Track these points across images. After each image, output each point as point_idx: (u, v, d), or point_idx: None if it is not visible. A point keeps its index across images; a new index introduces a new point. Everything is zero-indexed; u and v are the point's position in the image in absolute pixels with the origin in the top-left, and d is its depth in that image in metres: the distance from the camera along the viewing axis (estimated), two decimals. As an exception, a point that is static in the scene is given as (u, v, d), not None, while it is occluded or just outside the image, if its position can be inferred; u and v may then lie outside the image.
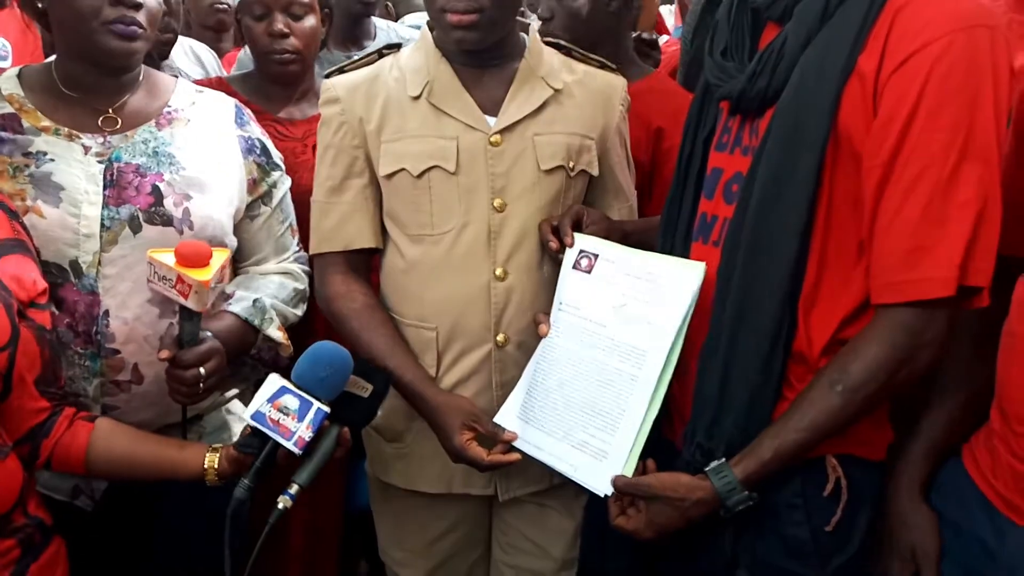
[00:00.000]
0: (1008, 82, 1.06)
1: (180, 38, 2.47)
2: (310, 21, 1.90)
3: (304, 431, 1.14)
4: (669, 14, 3.14)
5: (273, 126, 1.89)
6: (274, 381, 1.17)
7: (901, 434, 1.27)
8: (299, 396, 1.15)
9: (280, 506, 1.13)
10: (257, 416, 1.15)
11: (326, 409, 1.16)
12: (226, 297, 1.48)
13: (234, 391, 1.58)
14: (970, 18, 1.05)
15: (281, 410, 1.14)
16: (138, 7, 1.34)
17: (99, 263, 1.34)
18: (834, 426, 1.15)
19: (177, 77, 1.61)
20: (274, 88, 1.94)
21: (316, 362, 1.18)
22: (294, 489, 1.15)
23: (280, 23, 1.85)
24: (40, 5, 1.36)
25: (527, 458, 1.36)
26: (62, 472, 1.31)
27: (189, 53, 2.39)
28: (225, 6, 2.68)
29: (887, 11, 1.09)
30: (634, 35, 2.02)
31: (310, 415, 1.15)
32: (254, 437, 1.17)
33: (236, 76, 2.06)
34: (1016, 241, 1.15)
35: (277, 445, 1.15)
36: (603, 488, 1.26)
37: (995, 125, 1.06)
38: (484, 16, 1.34)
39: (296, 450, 1.14)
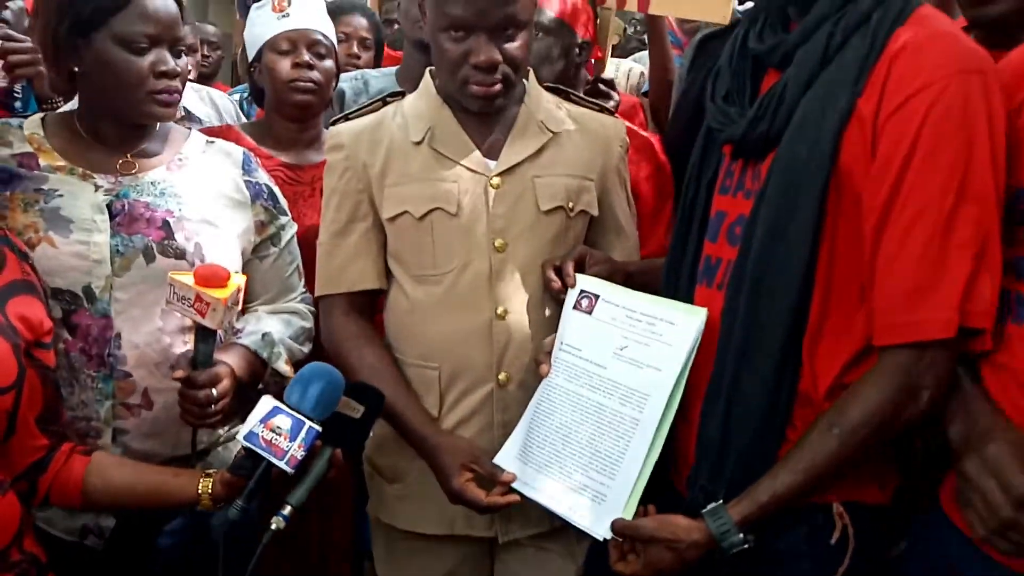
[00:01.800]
0: (1002, 125, 1.08)
1: (198, 85, 2.55)
2: (329, 63, 2.00)
3: (296, 450, 1.15)
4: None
5: (282, 171, 1.95)
6: (267, 402, 1.18)
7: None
8: (291, 416, 1.17)
9: (273, 527, 1.14)
10: (250, 436, 1.16)
11: (318, 428, 1.17)
12: (236, 332, 1.52)
13: (240, 427, 1.60)
14: (964, 63, 1.08)
15: (273, 430, 1.16)
16: (177, 76, 1.42)
17: (111, 287, 1.39)
18: (831, 469, 1.13)
19: (191, 128, 1.67)
20: (284, 133, 2.01)
21: (308, 382, 1.20)
22: (287, 510, 1.15)
23: (306, 56, 1.95)
24: (76, 69, 1.42)
25: (526, 500, 1.34)
26: (62, 506, 1.32)
27: (206, 99, 2.45)
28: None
29: (885, 56, 1.12)
30: (591, 78, 2.07)
31: (302, 434, 1.16)
32: (247, 459, 1.18)
33: (247, 124, 2.15)
34: None
35: (270, 465, 1.16)
36: (602, 532, 1.25)
37: (991, 166, 1.07)
38: (506, 84, 1.41)
39: (288, 469, 1.15)
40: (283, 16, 1.96)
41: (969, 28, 1.43)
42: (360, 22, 2.65)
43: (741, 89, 1.26)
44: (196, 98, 2.40)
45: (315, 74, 1.95)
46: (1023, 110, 1.10)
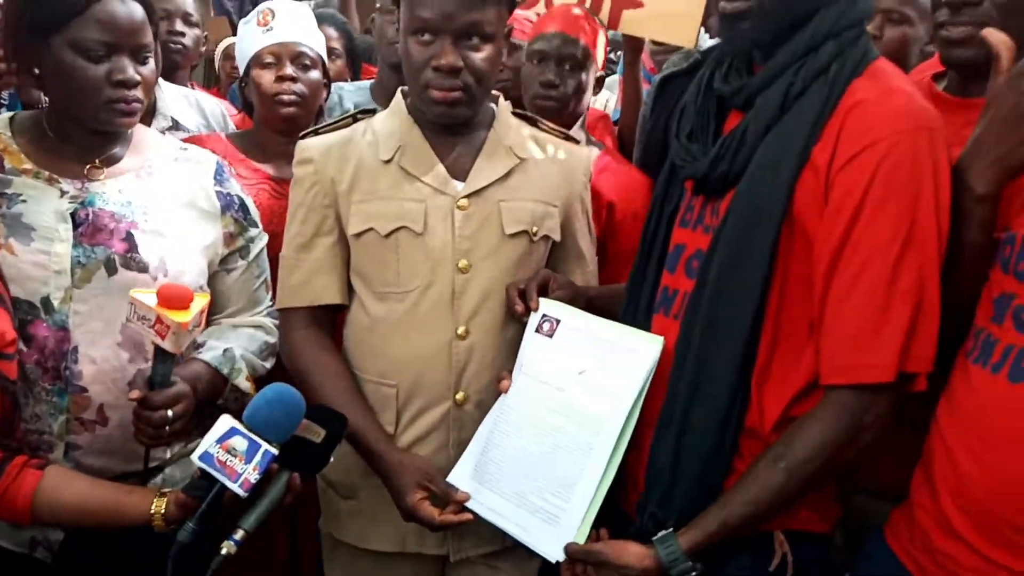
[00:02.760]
0: (948, 179, 1.13)
1: (189, 90, 2.52)
2: (315, 74, 2.01)
3: (251, 473, 1.13)
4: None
5: (269, 183, 1.95)
6: (224, 422, 1.17)
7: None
8: (248, 437, 1.15)
9: (223, 552, 1.12)
10: (205, 457, 1.14)
11: (274, 451, 1.16)
12: (197, 346, 1.50)
13: (196, 444, 1.58)
14: (915, 120, 1.13)
15: (229, 451, 1.14)
16: (136, 85, 1.39)
17: (71, 299, 1.36)
18: (778, 501, 1.18)
19: (165, 132, 1.65)
20: (271, 145, 2.01)
21: (268, 403, 1.18)
22: (239, 535, 1.13)
23: (289, 69, 1.97)
24: (36, 71, 1.39)
25: (480, 519, 1.36)
26: (9, 520, 1.29)
27: (193, 104, 2.42)
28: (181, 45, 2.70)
29: (840, 108, 1.17)
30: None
31: (257, 457, 1.14)
32: (202, 480, 1.17)
33: (235, 133, 2.15)
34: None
35: (224, 488, 1.14)
36: (555, 554, 1.27)
37: (936, 220, 1.12)
38: (467, 94, 1.41)
39: (241, 492, 1.13)
40: (267, 30, 1.98)
41: (945, 68, 1.51)
42: (327, 32, 2.64)
43: (704, 128, 1.30)
44: (185, 104, 2.37)
45: (299, 87, 1.96)
46: None
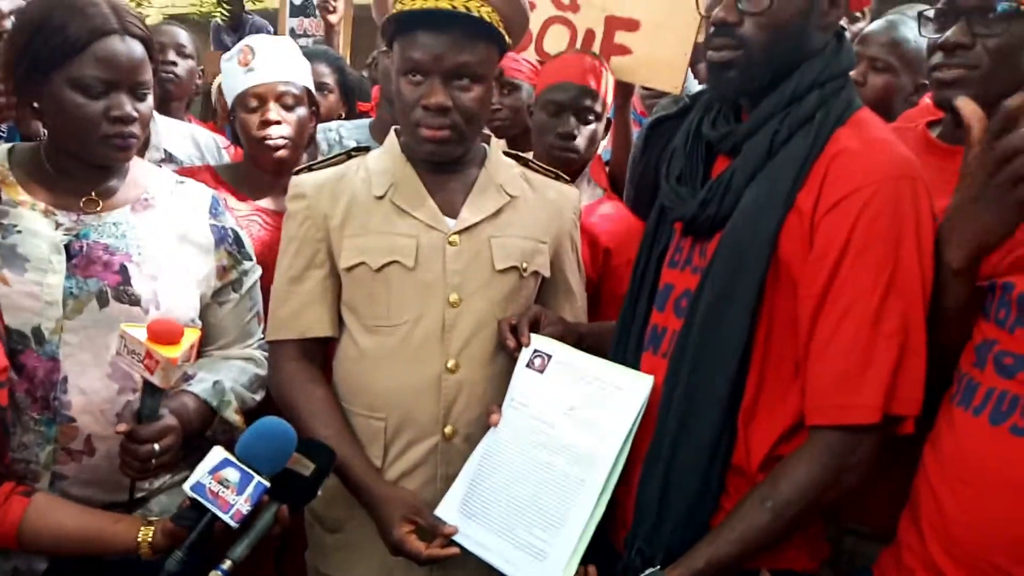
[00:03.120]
0: (930, 226, 1.17)
1: (183, 123, 2.54)
2: (300, 112, 2.00)
3: (243, 504, 1.15)
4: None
5: (259, 215, 1.96)
6: (217, 453, 1.18)
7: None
8: (240, 469, 1.16)
9: None
10: (197, 488, 1.15)
11: (266, 483, 1.17)
12: (187, 377, 1.50)
13: (183, 475, 1.57)
14: (897, 169, 1.17)
15: (221, 482, 1.15)
16: (133, 121, 1.41)
17: (62, 330, 1.37)
18: (764, 540, 1.19)
19: (161, 165, 1.66)
20: (262, 179, 2.02)
21: (260, 436, 1.20)
22: (227, 565, 1.14)
23: (273, 112, 1.95)
24: (36, 105, 1.42)
25: (467, 553, 1.36)
26: None
27: (188, 136, 2.43)
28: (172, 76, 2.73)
29: (824, 156, 1.21)
30: None
31: (250, 488, 1.15)
32: (192, 510, 1.17)
33: (223, 166, 2.14)
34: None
35: (214, 518, 1.15)
36: None
37: (918, 264, 1.16)
38: (455, 132, 1.44)
39: (233, 523, 1.14)
40: (249, 70, 1.96)
41: (939, 113, 1.56)
42: (317, 68, 2.65)
43: (693, 172, 1.34)
44: (180, 136, 2.38)
45: (283, 129, 1.96)
46: None
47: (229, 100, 2.03)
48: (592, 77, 1.94)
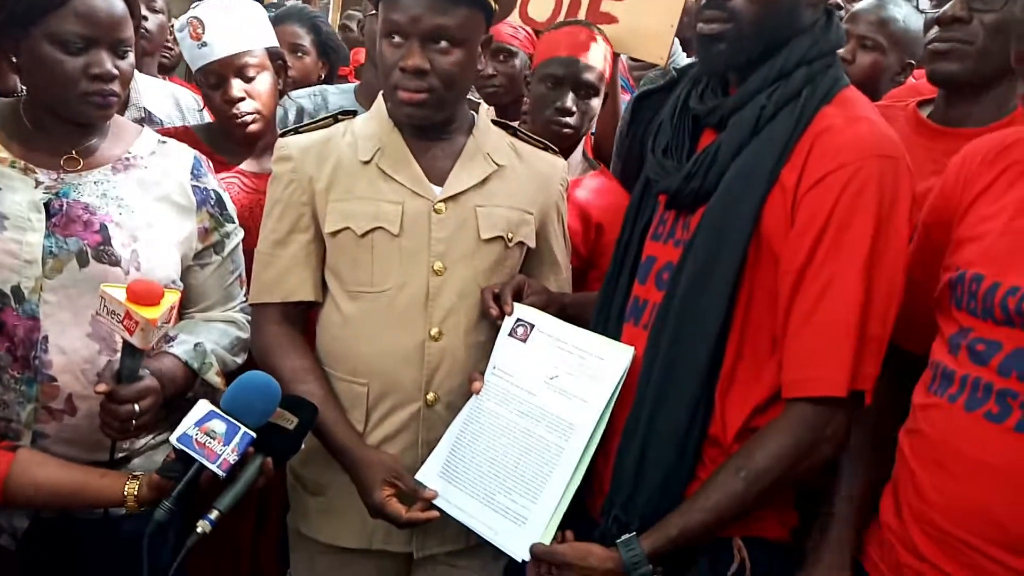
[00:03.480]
0: (908, 206, 1.19)
1: (165, 83, 2.48)
2: (265, 80, 1.93)
3: (230, 454, 1.17)
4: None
5: (238, 178, 1.93)
6: (203, 406, 1.19)
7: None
8: (226, 420, 1.18)
9: (199, 530, 1.15)
10: (184, 439, 1.17)
11: (252, 434, 1.19)
12: (168, 339, 1.50)
13: (164, 435, 1.58)
14: (879, 148, 1.19)
15: (208, 433, 1.17)
16: (114, 78, 1.39)
17: (41, 289, 1.36)
18: (737, 509, 1.22)
19: (143, 125, 1.64)
20: (239, 143, 1.98)
21: (245, 389, 1.21)
22: (214, 514, 1.17)
23: (235, 89, 1.88)
24: (14, 60, 1.39)
25: (447, 517, 1.39)
26: None
27: (168, 96, 2.39)
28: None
29: (809, 133, 1.22)
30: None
31: (236, 439, 1.18)
32: (178, 462, 1.19)
33: (201, 126, 2.09)
34: (915, 338, 1.26)
35: (201, 468, 1.17)
36: (521, 553, 1.30)
37: (896, 242, 1.18)
38: (433, 96, 1.43)
39: (220, 472, 1.16)
40: (202, 45, 1.87)
41: (933, 86, 1.58)
42: (291, 30, 2.58)
43: (679, 145, 1.35)
44: (160, 95, 2.34)
45: (248, 104, 1.90)
46: (974, 203, 1.20)
47: (192, 70, 1.96)
48: (592, 51, 1.91)
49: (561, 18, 2.08)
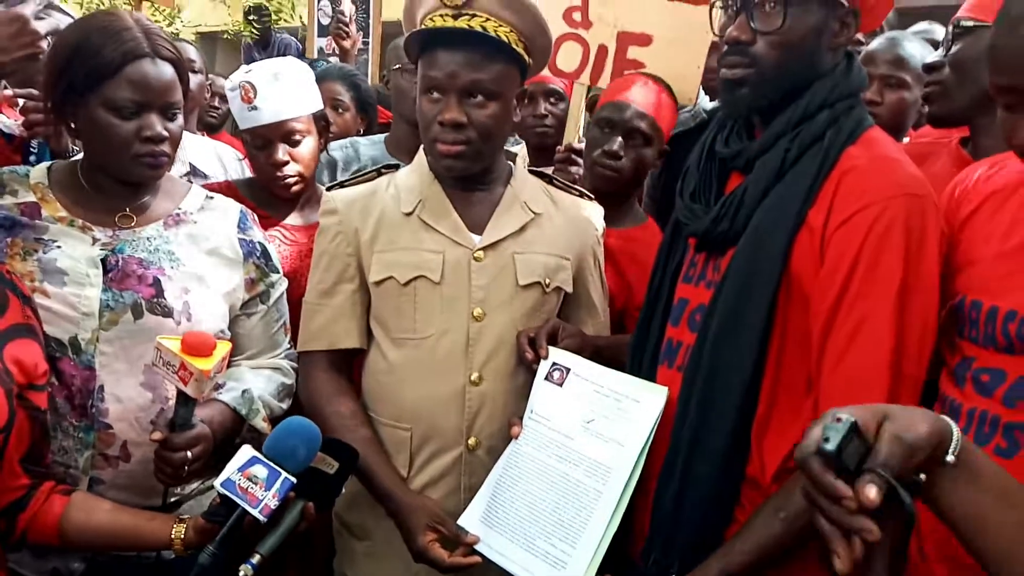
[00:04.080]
0: (937, 243, 1.19)
1: (208, 140, 2.60)
2: (308, 144, 1.99)
3: (271, 499, 1.19)
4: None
5: (279, 231, 2.00)
6: (245, 451, 1.22)
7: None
8: (268, 466, 1.21)
9: (241, 574, 1.16)
10: (227, 484, 1.20)
11: (293, 480, 1.21)
12: (217, 386, 1.55)
13: (212, 480, 1.62)
14: (904, 187, 1.20)
15: (250, 479, 1.20)
16: (164, 140, 1.46)
17: (97, 340, 1.43)
18: (777, 550, 1.21)
19: (191, 182, 1.72)
20: (279, 198, 2.04)
21: (287, 434, 1.25)
22: (256, 559, 1.18)
23: (280, 153, 1.94)
24: (73, 125, 1.49)
25: (488, 562, 1.40)
26: (39, 543, 1.34)
27: (211, 151, 2.51)
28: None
29: (834, 174, 1.24)
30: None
31: (277, 484, 1.20)
32: (222, 507, 1.22)
33: (243, 181, 2.16)
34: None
35: (244, 513, 1.19)
36: None
37: (926, 278, 1.18)
38: (470, 148, 1.49)
39: (261, 517, 1.19)
40: (252, 108, 1.93)
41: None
42: (332, 87, 2.68)
43: (707, 188, 1.37)
44: (203, 152, 2.45)
45: (291, 167, 1.96)
46: (964, 227, 1.21)
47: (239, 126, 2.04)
48: (648, 100, 1.92)
49: (589, 68, 2.13)
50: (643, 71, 2.06)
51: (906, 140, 2.18)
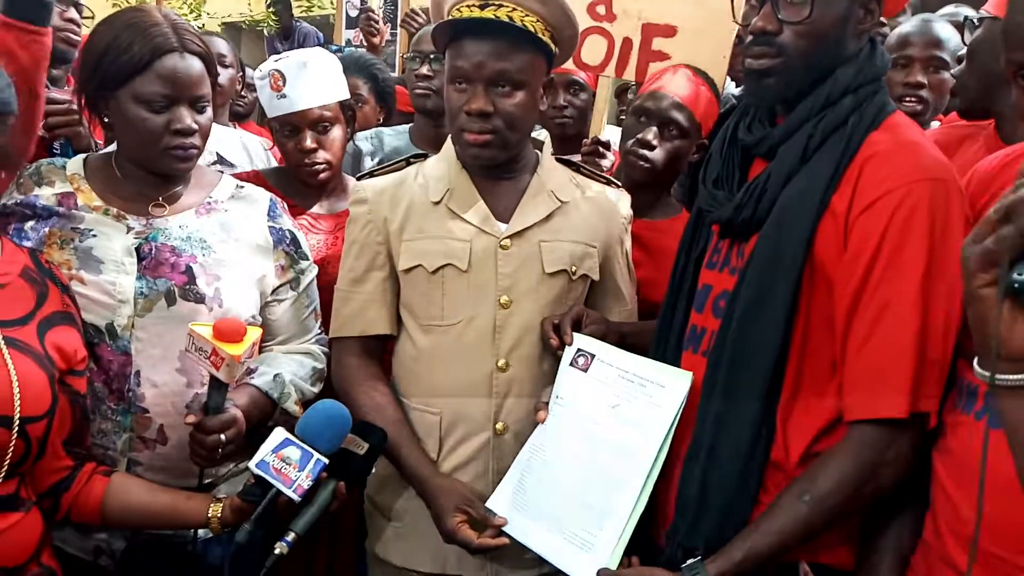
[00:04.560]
0: (962, 227, 1.19)
1: (234, 130, 2.65)
2: (336, 132, 2.03)
3: (304, 480, 1.23)
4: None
5: (306, 219, 2.04)
6: (279, 434, 1.26)
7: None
8: (301, 447, 1.25)
9: (277, 551, 1.21)
10: (261, 465, 1.24)
11: (325, 460, 1.25)
12: (250, 371, 1.59)
13: (246, 462, 1.67)
14: (928, 171, 1.20)
15: (284, 460, 1.24)
16: (193, 132, 1.50)
17: (133, 326, 1.47)
18: (802, 534, 1.22)
19: (222, 172, 1.76)
20: (306, 186, 2.08)
21: (318, 416, 1.28)
22: (291, 536, 1.22)
23: (308, 140, 1.97)
24: (106, 119, 1.53)
25: (516, 544, 1.43)
26: (81, 522, 1.39)
27: (237, 141, 2.55)
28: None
29: (857, 159, 1.24)
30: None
31: (310, 465, 1.24)
32: (257, 487, 1.26)
33: (271, 170, 2.19)
34: None
35: (278, 493, 1.23)
36: None
37: (953, 266, 1.16)
38: (497, 137, 1.50)
39: (295, 497, 1.23)
40: (281, 96, 1.96)
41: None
42: (351, 81, 2.65)
43: (730, 175, 1.38)
44: (230, 142, 2.49)
45: (320, 155, 1.99)
46: (983, 211, 1.21)
47: (267, 115, 2.07)
48: (687, 92, 1.89)
49: (614, 61, 2.13)
50: (664, 62, 2.06)
51: (935, 125, 2.16)
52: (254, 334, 1.39)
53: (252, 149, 2.54)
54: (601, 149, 2.18)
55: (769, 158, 1.32)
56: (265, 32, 7.84)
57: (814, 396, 1.27)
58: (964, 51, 1.62)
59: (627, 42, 2.11)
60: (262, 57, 5.91)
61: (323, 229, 2.04)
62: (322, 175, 2.02)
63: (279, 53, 2.12)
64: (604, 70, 2.16)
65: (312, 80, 1.98)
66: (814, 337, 1.27)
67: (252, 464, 1.25)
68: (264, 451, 1.25)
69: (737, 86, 2.31)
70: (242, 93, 3.19)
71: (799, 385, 1.28)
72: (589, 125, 2.39)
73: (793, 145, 1.28)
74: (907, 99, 2.05)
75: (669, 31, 2.07)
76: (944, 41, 2.06)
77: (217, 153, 2.40)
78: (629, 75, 2.14)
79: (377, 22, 3.40)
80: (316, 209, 2.07)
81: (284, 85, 1.96)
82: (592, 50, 2.14)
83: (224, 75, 2.82)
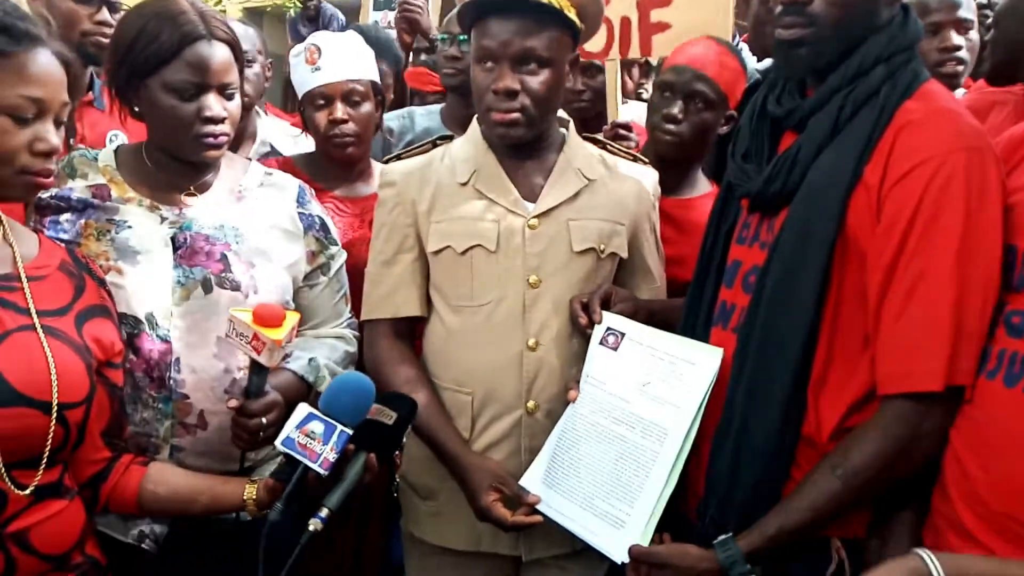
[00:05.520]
0: (999, 196, 1.16)
1: (279, 120, 2.67)
2: (366, 107, 2.08)
3: (329, 453, 1.23)
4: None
5: (333, 203, 2.06)
6: (302, 409, 1.27)
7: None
8: (324, 421, 1.25)
9: (311, 528, 1.21)
10: (287, 442, 1.25)
11: (348, 431, 1.25)
12: (285, 356, 1.61)
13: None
14: (963, 140, 1.17)
15: (308, 435, 1.24)
16: (223, 120, 1.51)
17: (172, 315, 1.49)
18: (834, 508, 1.22)
19: (251, 160, 1.78)
20: (334, 169, 2.11)
21: (340, 390, 1.29)
22: (324, 512, 1.23)
23: (339, 111, 2.03)
24: (136, 109, 1.55)
25: (549, 522, 1.44)
26: (119, 512, 1.43)
27: (289, 134, 2.57)
28: None
29: (890, 129, 1.21)
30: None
31: (334, 438, 1.24)
32: (287, 465, 1.27)
33: (300, 156, 2.23)
34: None
35: (306, 469, 1.24)
36: (620, 556, 1.34)
37: (987, 234, 1.15)
38: (524, 115, 1.50)
39: (322, 471, 1.23)
40: (316, 69, 2.03)
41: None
42: (380, 68, 2.74)
43: (759, 149, 1.36)
44: (282, 133, 2.53)
45: (350, 126, 2.03)
46: (1011, 175, 1.18)
47: (299, 95, 2.12)
48: (711, 64, 1.85)
49: (616, 43, 2.11)
50: (665, 33, 2.03)
51: (961, 91, 2.11)
52: (293, 319, 1.41)
53: (299, 139, 2.56)
54: (622, 132, 2.16)
55: (799, 130, 1.30)
56: (289, 15, 7.84)
57: (846, 371, 1.26)
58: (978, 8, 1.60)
59: (625, 21, 2.11)
60: (284, 42, 5.90)
61: (349, 213, 2.06)
62: (350, 148, 2.05)
63: (301, 36, 2.16)
64: (608, 55, 2.16)
65: (347, 54, 2.07)
66: (846, 311, 1.25)
67: (278, 442, 1.26)
68: (289, 428, 1.25)
69: (759, 60, 2.27)
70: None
71: (831, 360, 1.26)
72: None
73: (824, 116, 1.26)
74: (946, 63, 2.00)
75: (664, 1, 2.04)
76: (964, 1, 2.02)
77: (271, 144, 2.44)
78: (634, 52, 2.14)
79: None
80: (342, 192, 2.10)
81: (319, 58, 2.02)
82: (593, 38, 2.12)
83: (257, 64, 2.83)
